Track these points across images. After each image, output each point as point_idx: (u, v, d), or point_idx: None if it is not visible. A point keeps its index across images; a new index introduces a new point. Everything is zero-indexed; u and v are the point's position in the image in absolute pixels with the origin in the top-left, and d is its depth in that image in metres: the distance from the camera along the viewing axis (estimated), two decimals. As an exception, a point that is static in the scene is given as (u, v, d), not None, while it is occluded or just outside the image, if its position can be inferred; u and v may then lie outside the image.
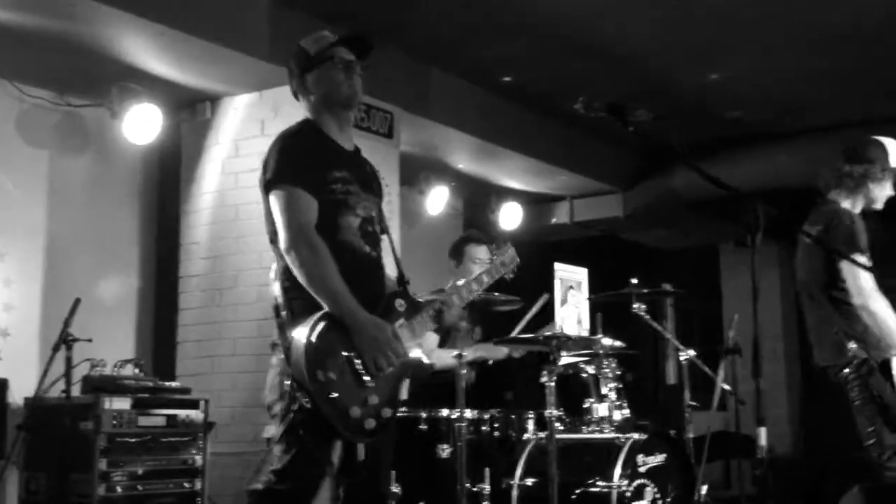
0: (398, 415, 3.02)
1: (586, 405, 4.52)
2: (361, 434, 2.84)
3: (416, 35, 5.88)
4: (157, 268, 6.23)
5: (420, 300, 3.11)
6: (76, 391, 4.60)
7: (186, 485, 4.80)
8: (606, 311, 4.98)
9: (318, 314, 2.81)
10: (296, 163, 2.95)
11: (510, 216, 8.09)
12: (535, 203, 8.72)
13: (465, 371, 4.10)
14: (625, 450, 4.14)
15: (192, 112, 6.07)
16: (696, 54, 6.34)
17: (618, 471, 4.07)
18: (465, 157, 7.39)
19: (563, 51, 6.19)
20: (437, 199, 7.39)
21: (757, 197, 2.68)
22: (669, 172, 8.06)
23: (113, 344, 5.58)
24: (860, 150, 4.13)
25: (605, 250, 9.41)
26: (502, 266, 3.60)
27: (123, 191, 6.12)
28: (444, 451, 4.22)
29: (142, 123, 5.44)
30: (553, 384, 4.13)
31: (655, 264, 9.84)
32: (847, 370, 3.87)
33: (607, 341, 4.59)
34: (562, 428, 4.37)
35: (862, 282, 3.82)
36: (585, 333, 4.69)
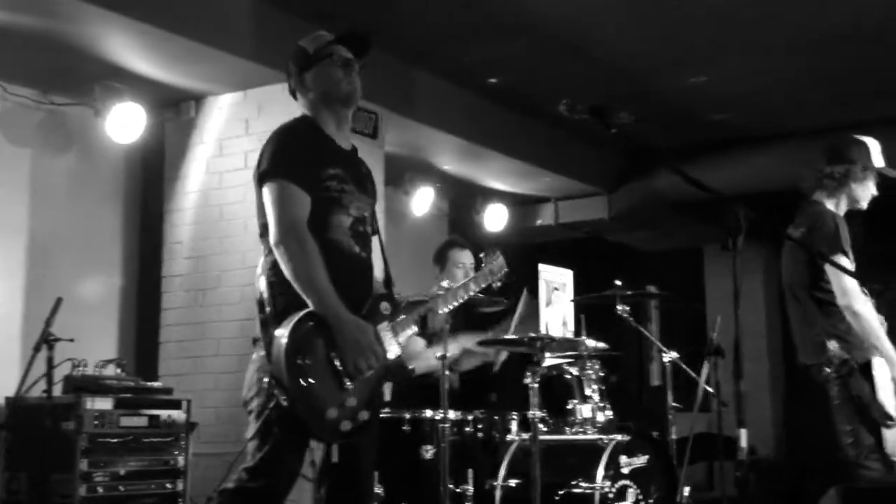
0: (381, 416, 3.02)
1: (570, 406, 4.52)
2: (336, 436, 2.83)
3: (402, 36, 5.88)
4: (139, 267, 6.20)
5: (405, 303, 3.10)
6: (58, 391, 4.57)
7: (168, 485, 4.78)
8: (591, 312, 4.98)
9: (302, 312, 2.80)
10: (291, 158, 2.94)
11: (495, 217, 8.10)
12: (520, 204, 8.73)
13: (448, 372, 4.10)
14: (607, 451, 4.15)
15: (176, 111, 6.05)
16: (681, 57, 6.36)
17: (600, 472, 4.07)
18: (450, 158, 7.40)
19: (549, 53, 6.20)
20: (422, 200, 7.40)
21: (738, 200, 2.69)
22: (653, 174, 8.08)
23: (95, 344, 5.55)
24: (840, 151, 4.14)
25: (590, 252, 9.42)
26: (490, 274, 3.59)
27: (106, 190, 6.09)
28: (428, 452, 4.22)
29: (125, 122, 5.42)
30: (537, 385, 4.14)
31: (640, 266, 9.87)
32: (828, 369, 3.90)
33: (591, 343, 4.60)
34: (545, 429, 4.38)
35: (846, 282, 3.84)
36: (570, 335, 4.72)
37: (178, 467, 4.83)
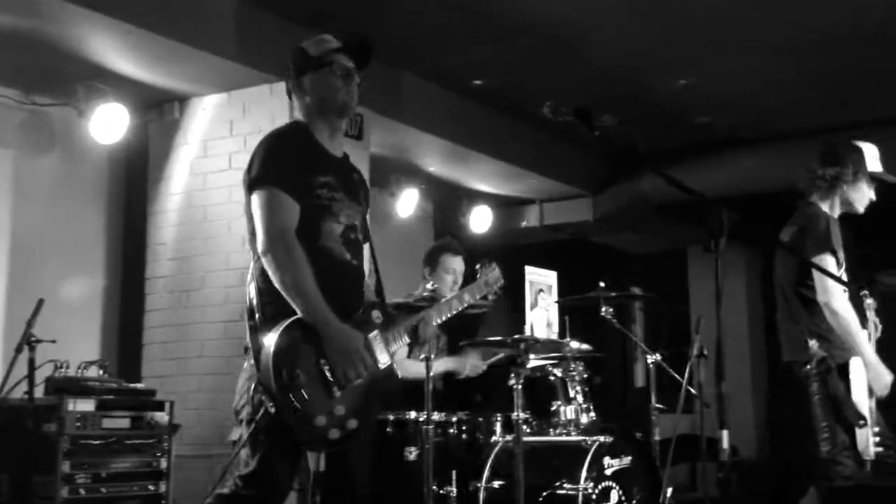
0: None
1: (553, 408, 4.54)
2: (324, 444, 2.83)
3: (387, 38, 5.86)
4: (123, 269, 6.17)
5: (397, 312, 3.10)
6: (39, 392, 4.54)
7: (151, 487, 4.76)
8: (575, 314, 4.99)
9: (290, 320, 2.79)
10: (281, 164, 2.92)
11: (480, 219, 8.12)
12: (505, 206, 8.75)
13: (432, 374, 4.10)
14: (591, 452, 4.16)
15: (159, 112, 6.03)
16: (666, 60, 6.37)
17: (584, 473, 4.09)
18: (435, 159, 7.40)
19: (535, 55, 6.21)
20: (408, 202, 7.39)
21: (721, 202, 2.70)
22: (638, 176, 8.10)
23: (77, 345, 5.52)
24: (834, 153, 4.17)
25: (575, 254, 9.45)
26: (486, 286, 3.57)
27: (90, 191, 6.06)
28: (412, 453, 4.22)
29: (109, 123, 5.39)
30: (521, 387, 4.15)
31: (625, 268, 9.90)
32: (808, 366, 3.94)
33: (575, 344, 4.61)
34: (529, 430, 4.39)
35: (827, 280, 3.87)
36: (555, 337, 4.71)
37: (161, 469, 4.80)
